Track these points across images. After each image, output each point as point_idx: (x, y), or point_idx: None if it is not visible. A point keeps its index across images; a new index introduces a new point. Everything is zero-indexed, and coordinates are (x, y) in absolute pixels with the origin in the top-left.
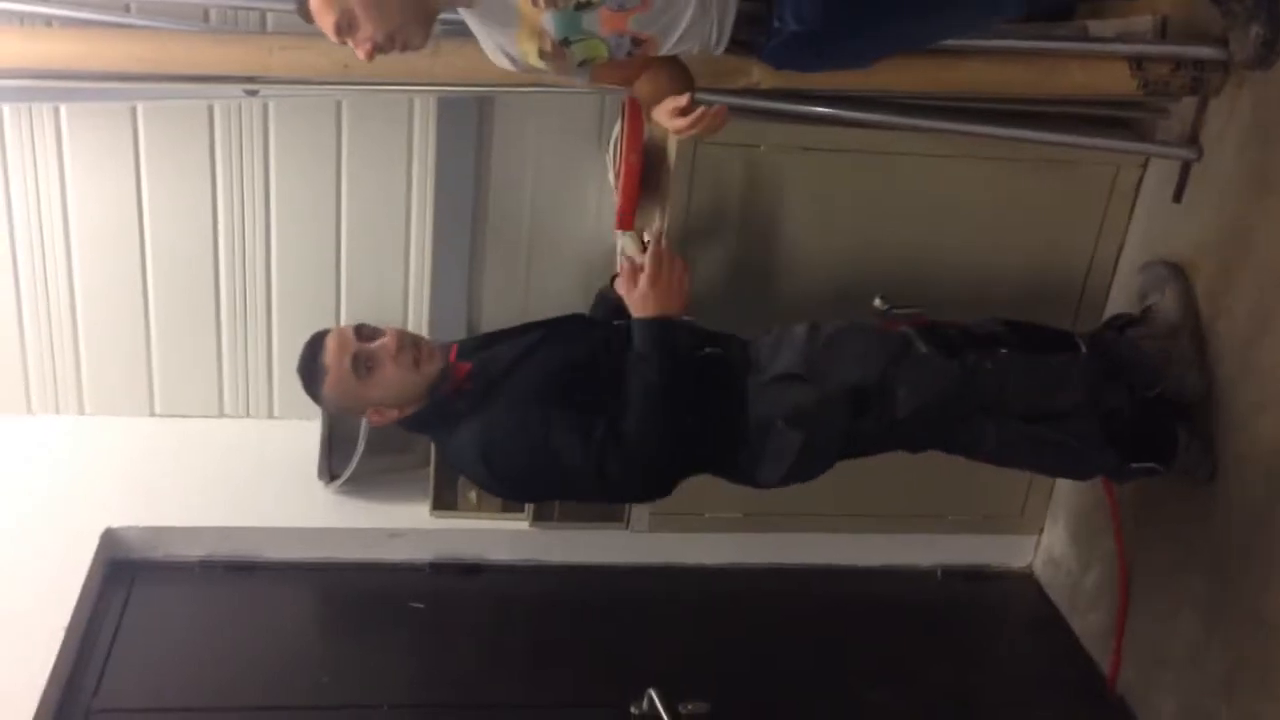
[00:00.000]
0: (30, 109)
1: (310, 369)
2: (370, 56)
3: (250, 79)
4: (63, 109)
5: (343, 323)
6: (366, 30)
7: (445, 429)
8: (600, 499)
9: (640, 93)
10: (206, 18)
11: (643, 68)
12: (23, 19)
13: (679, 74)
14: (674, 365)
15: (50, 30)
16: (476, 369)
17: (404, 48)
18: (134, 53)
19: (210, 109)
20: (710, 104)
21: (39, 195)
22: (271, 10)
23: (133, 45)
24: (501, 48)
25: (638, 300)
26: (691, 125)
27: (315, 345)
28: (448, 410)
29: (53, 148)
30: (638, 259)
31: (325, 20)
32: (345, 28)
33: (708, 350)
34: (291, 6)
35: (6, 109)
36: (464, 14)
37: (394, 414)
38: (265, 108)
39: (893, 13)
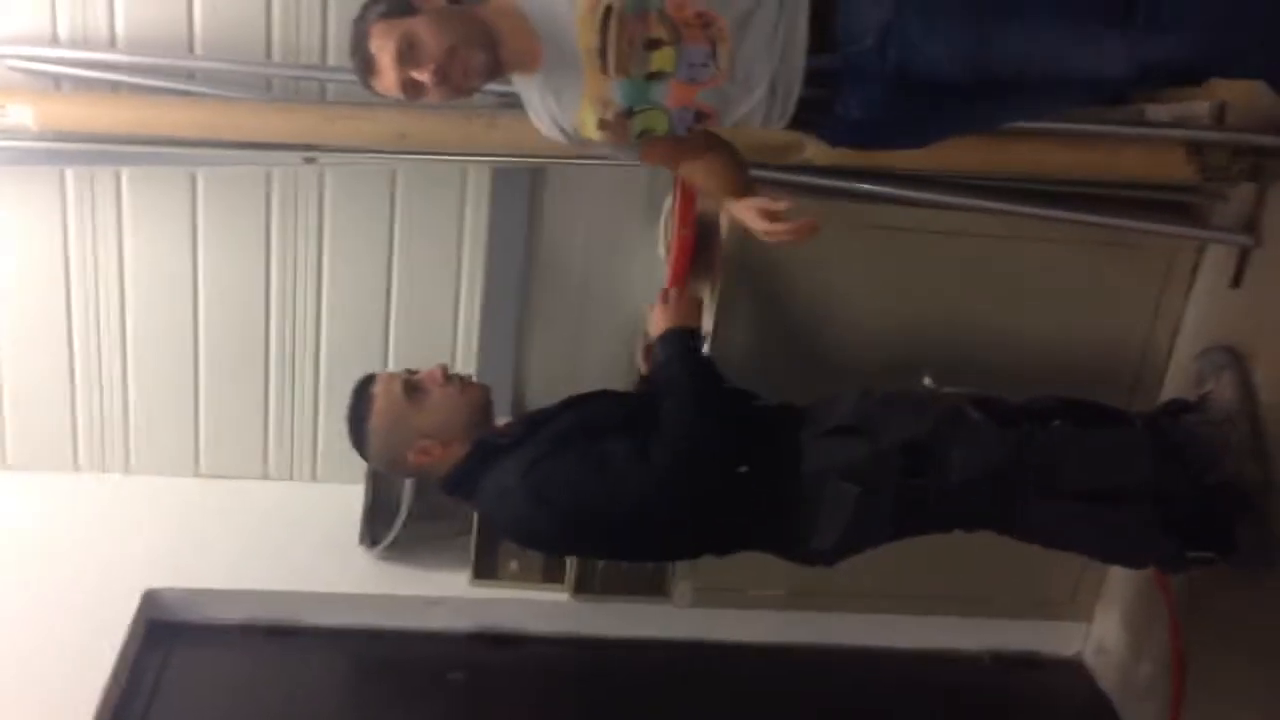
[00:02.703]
0: (92, 172)
1: (359, 401)
2: (435, 81)
3: (309, 147)
4: (123, 173)
5: None
6: (429, 48)
7: (485, 472)
8: (650, 517)
9: (697, 180)
10: (269, 87)
11: (693, 151)
12: (89, 84)
13: (738, 165)
14: (694, 359)
15: (115, 96)
16: (521, 419)
17: (466, 74)
18: (196, 119)
19: (268, 176)
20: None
21: (96, 257)
22: (332, 80)
23: (195, 112)
24: (555, 118)
25: (656, 325)
26: (789, 233)
27: (365, 380)
28: (490, 450)
29: (112, 211)
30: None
31: (386, 51)
32: (407, 53)
33: (759, 403)
34: (351, 77)
35: (69, 172)
36: (518, 82)
37: (439, 451)
38: (321, 175)
39: (959, 108)
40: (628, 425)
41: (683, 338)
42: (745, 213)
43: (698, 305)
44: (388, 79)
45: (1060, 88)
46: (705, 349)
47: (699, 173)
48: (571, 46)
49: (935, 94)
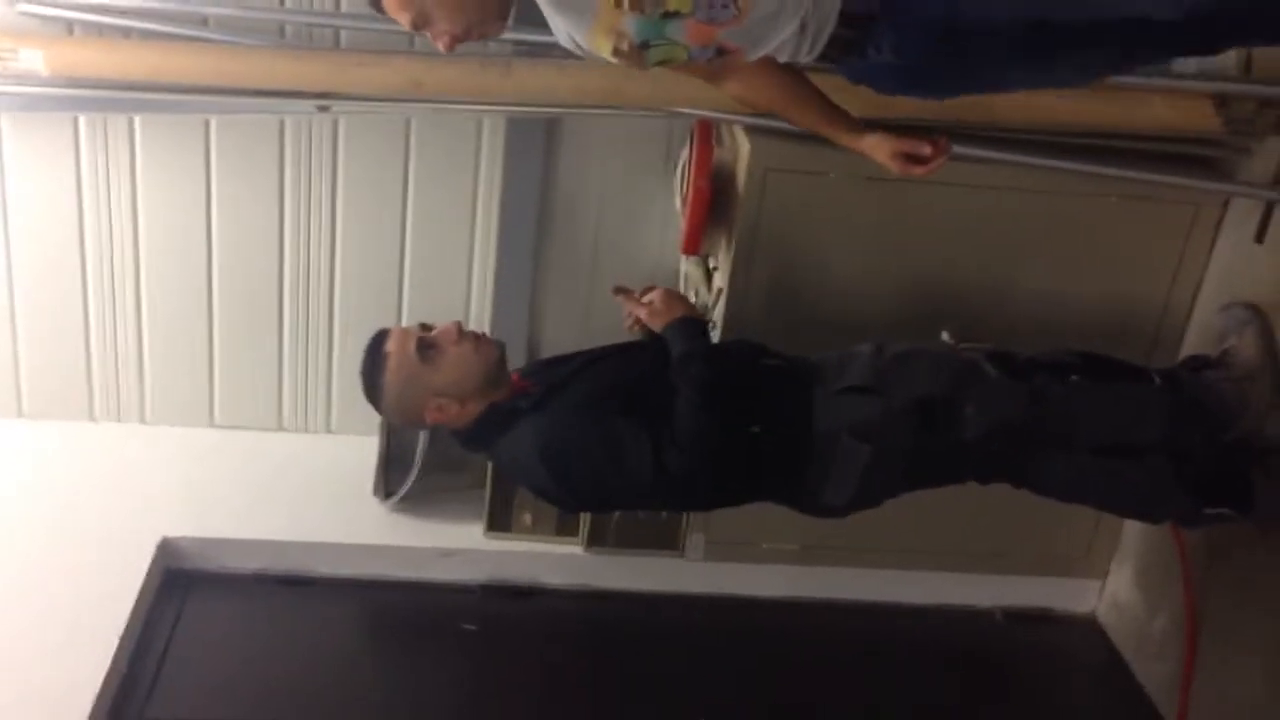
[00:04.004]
0: (105, 119)
1: (372, 358)
2: (450, 48)
3: (323, 95)
4: (137, 120)
5: None
6: (443, 27)
7: (502, 433)
8: (655, 496)
9: (796, 117)
10: (282, 34)
11: (753, 70)
12: (101, 30)
13: (830, 103)
14: (709, 352)
15: (128, 42)
16: (538, 379)
17: (481, 38)
18: (210, 66)
19: (281, 123)
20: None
21: (110, 204)
22: (345, 28)
23: (209, 59)
24: (571, 35)
25: (659, 320)
26: (927, 172)
27: (378, 336)
28: (507, 412)
29: (125, 158)
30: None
31: (401, 17)
32: (421, 24)
33: (770, 361)
34: (365, 24)
35: (82, 119)
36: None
37: (454, 409)
38: (335, 124)
39: (994, 67)
40: (641, 405)
41: (700, 329)
42: (879, 154)
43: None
44: (401, 20)
45: (1100, 40)
46: (719, 305)
47: (797, 110)
48: None
49: (974, 45)
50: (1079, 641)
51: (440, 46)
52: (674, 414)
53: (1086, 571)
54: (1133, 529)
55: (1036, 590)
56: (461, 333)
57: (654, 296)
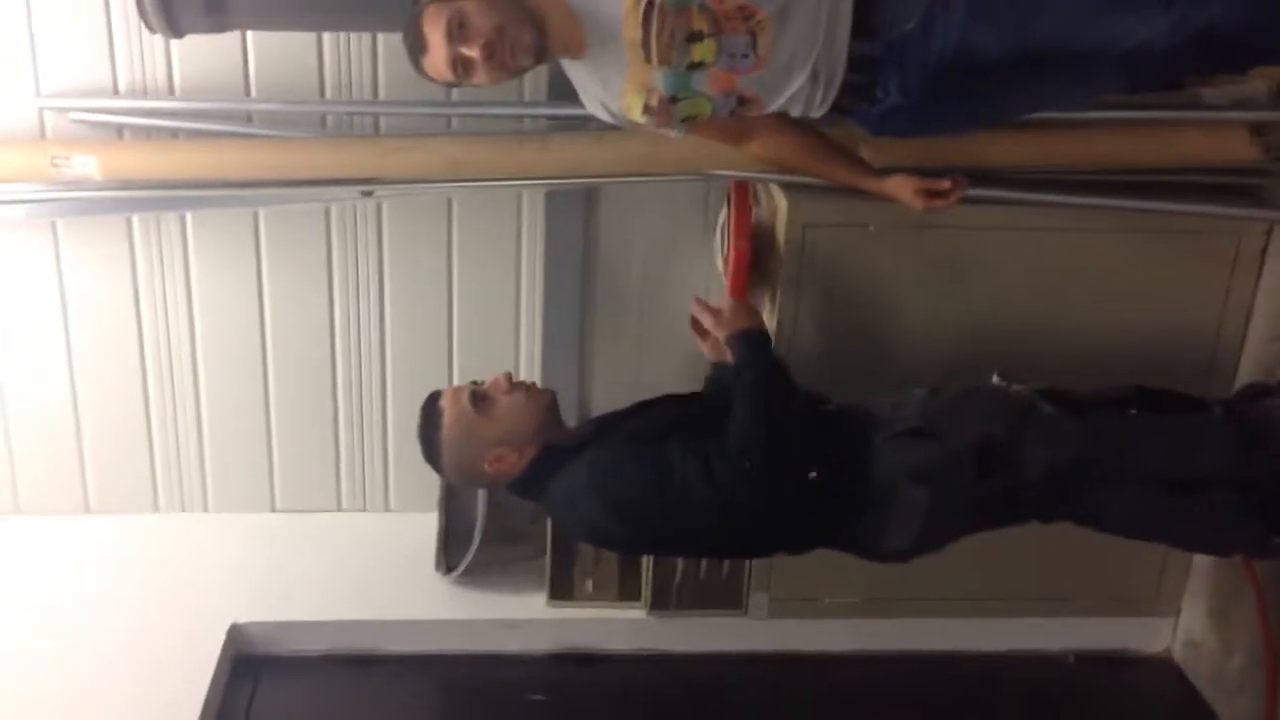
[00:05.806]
0: (158, 218)
1: (428, 417)
2: (485, 59)
3: (366, 180)
4: (188, 217)
5: None
6: (478, 25)
7: (556, 474)
8: (707, 523)
9: (821, 171)
10: (324, 124)
11: (772, 129)
12: (150, 133)
13: (844, 150)
14: (771, 364)
15: (177, 143)
16: (591, 427)
17: (513, 52)
18: (255, 161)
19: (328, 211)
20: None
21: (165, 301)
22: (384, 114)
23: (255, 154)
24: (602, 101)
25: (725, 329)
26: (947, 205)
27: (431, 397)
28: (561, 452)
29: (179, 254)
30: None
31: (437, 29)
32: (456, 31)
33: (827, 408)
34: (403, 109)
35: (135, 219)
36: (567, 65)
37: (512, 458)
38: (379, 207)
39: (995, 90)
40: (690, 429)
41: (763, 342)
42: (903, 193)
43: (751, 308)
44: (437, 56)
45: (1100, 64)
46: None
47: (818, 162)
48: (615, 36)
49: (975, 76)
50: (1156, 682)
51: (476, 54)
52: (727, 426)
53: (1158, 610)
54: (1202, 564)
55: (1108, 632)
56: (511, 382)
57: (725, 304)
